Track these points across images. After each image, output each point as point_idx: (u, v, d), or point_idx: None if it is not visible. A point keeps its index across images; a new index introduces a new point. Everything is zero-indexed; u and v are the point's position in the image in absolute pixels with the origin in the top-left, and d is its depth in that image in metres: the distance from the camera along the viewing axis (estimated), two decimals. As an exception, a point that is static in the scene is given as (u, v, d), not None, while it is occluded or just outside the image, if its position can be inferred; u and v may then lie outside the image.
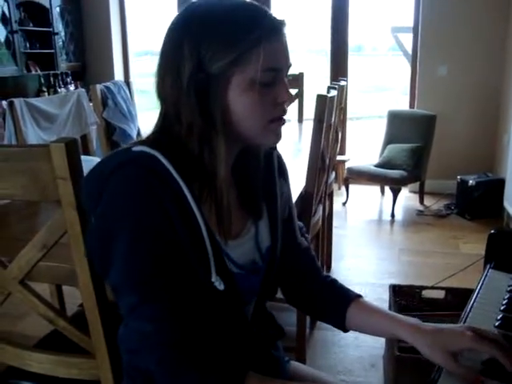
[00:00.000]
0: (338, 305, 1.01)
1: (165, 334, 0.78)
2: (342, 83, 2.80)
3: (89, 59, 5.55)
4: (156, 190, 0.77)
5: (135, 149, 0.80)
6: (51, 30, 4.97)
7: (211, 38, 0.79)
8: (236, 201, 0.93)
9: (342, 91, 2.78)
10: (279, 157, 1.03)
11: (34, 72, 4.88)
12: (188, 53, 0.79)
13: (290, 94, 0.86)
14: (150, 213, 0.77)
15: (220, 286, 0.83)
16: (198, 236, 0.81)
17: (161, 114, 0.87)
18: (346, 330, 1.02)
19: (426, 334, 0.86)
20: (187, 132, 0.82)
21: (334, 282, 1.07)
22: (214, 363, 0.81)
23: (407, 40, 5.38)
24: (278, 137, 0.88)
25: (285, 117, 0.87)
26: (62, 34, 5.20)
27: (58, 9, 5.07)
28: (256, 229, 0.95)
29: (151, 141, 0.84)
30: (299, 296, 1.09)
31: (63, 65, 5.20)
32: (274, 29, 0.82)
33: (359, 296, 1.02)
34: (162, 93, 0.85)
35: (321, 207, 2.46)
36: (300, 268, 1.08)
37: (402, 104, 6.33)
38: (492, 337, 0.83)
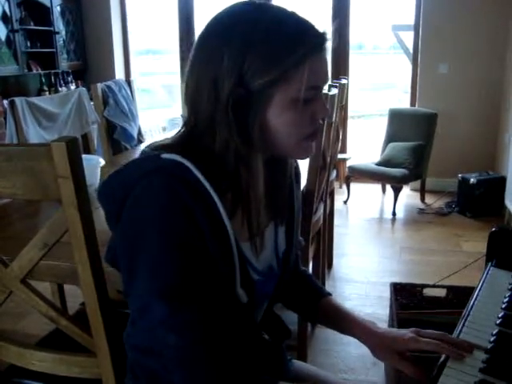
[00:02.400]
0: (310, 299, 1.07)
1: (192, 347, 0.76)
2: (343, 81, 2.80)
3: (90, 58, 5.55)
4: (186, 200, 0.75)
5: (165, 156, 0.78)
6: (52, 28, 4.97)
7: (255, 54, 0.76)
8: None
9: (343, 89, 2.78)
10: (295, 161, 1.03)
11: (34, 71, 4.88)
12: (228, 66, 0.76)
13: (328, 109, 0.84)
14: (179, 224, 0.75)
15: (243, 298, 0.82)
16: (227, 249, 0.80)
17: (189, 122, 0.84)
18: (314, 323, 1.07)
19: (376, 336, 0.94)
20: (223, 148, 0.79)
21: (310, 277, 1.13)
22: (234, 377, 0.81)
23: (408, 38, 5.37)
24: (310, 152, 0.88)
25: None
26: (63, 32, 5.20)
27: (58, 8, 5.07)
28: (276, 233, 0.96)
29: (180, 148, 0.81)
30: None
31: (64, 64, 5.20)
32: (318, 45, 0.79)
33: (329, 294, 1.08)
34: (194, 103, 0.81)
35: (322, 205, 2.46)
36: None
37: (404, 102, 6.33)
38: (435, 336, 0.88)
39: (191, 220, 0.75)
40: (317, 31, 0.80)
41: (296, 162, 1.04)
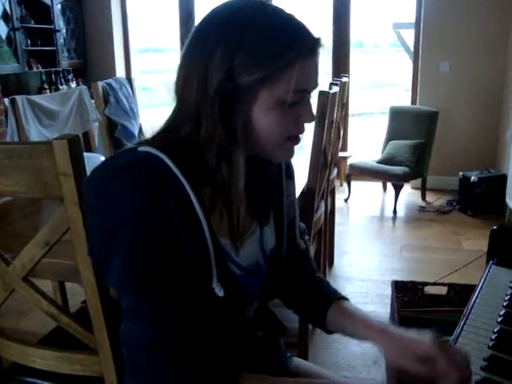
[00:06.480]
0: (320, 305, 1.01)
1: (159, 338, 0.78)
2: (344, 79, 2.80)
3: (90, 56, 5.55)
4: (160, 193, 0.76)
5: (141, 149, 0.79)
6: (52, 27, 4.97)
7: (247, 50, 0.76)
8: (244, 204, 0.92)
9: (344, 87, 2.78)
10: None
11: (35, 69, 4.88)
12: (220, 60, 0.76)
13: (314, 116, 0.85)
14: (152, 216, 0.76)
15: (220, 292, 0.82)
16: (201, 241, 0.80)
17: (174, 112, 0.84)
18: (328, 332, 1.02)
19: (391, 339, 0.87)
20: (206, 140, 0.79)
21: (323, 282, 1.07)
22: (207, 367, 0.80)
23: (409, 36, 5.37)
24: (290, 155, 0.88)
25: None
26: (64, 31, 5.20)
27: (59, 6, 5.07)
28: (261, 231, 0.95)
29: (158, 141, 0.82)
30: (288, 293, 1.09)
31: (65, 62, 5.20)
32: (310, 49, 0.79)
33: (343, 298, 1.01)
34: (183, 92, 0.82)
35: (323, 204, 2.46)
36: (294, 268, 1.07)
37: (405, 100, 6.32)
38: (455, 353, 0.80)
39: (164, 213, 0.76)
40: (311, 35, 0.80)
41: None
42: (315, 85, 0.84)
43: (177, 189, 0.77)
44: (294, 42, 0.78)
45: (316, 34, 0.81)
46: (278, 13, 0.81)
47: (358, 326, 0.94)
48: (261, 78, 0.77)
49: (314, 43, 0.80)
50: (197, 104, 0.79)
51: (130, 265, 0.76)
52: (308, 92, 0.83)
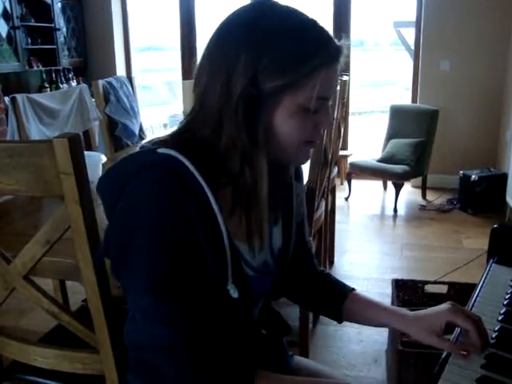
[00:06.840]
0: (335, 299, 1.05)
1: (178, 339, 0.78)
2: (344, 78, 2.79)
3: (91, 55, 5.55)
4: (179, 194, 0.76)
5: (160, 151, 0.78)
6: (53, 25, 4.97)
7: (272, 56, 0.76)
8: None
9: (344, 86, 2.77)
10: None
11: (35, 68, 4.88)
12: (244, 66, 0.76)
13: (331, 123, 0.87)
14: (172, 216, 0.76)
15: (234, 293, 0.83)
16: (218, 243, 0.80)
17: (192, 113, 0.84)
18: (340, 322, 1.07)
19: (412, 320, 0.94)
20: (229, 146, 0.79)
21: (329, 276, 1.11)
22: (224, 366, 0.81)
23: (409, 35, 5.37)
24: (307, 158, 0.89)
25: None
26: (64, 29, 5.20)
27: (59, 4, 5.06)
28: (269, 231, 0.95)
29: (175, 142, 0.82)
30: (296, 290, 1.11)
31: (65, 60, 5.20)
32: (334, 57, 0.80)
33: (353, 289, 1.06)
34: (204, 98, 0.81)
35: (323, 202, 2.46)
36: (301, 266, 1.09)
37: (405, 99, 6.32)
38: (470, 314, 0.89)
39: (183, 215, 0.76)
40: (334, 42, 0.81)
41: None
42: (334, 91, 0.85)
43: (196, 191, 0.78)
44: (319, 49, 0.78)
45: (338, 41, 0.82)
46: (301, 18, 0.80)
47: (380, 313, 0.99)
48: (284, 84, 0.77)
49: (336, 51, 0.81)
50: (219, 109, 0.79)
51: (150, 265, 0.77)
52: (328, 99, 0.83)
